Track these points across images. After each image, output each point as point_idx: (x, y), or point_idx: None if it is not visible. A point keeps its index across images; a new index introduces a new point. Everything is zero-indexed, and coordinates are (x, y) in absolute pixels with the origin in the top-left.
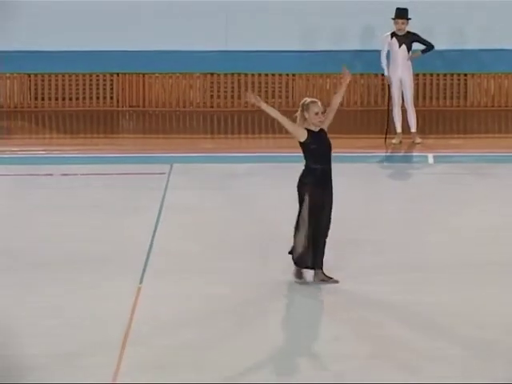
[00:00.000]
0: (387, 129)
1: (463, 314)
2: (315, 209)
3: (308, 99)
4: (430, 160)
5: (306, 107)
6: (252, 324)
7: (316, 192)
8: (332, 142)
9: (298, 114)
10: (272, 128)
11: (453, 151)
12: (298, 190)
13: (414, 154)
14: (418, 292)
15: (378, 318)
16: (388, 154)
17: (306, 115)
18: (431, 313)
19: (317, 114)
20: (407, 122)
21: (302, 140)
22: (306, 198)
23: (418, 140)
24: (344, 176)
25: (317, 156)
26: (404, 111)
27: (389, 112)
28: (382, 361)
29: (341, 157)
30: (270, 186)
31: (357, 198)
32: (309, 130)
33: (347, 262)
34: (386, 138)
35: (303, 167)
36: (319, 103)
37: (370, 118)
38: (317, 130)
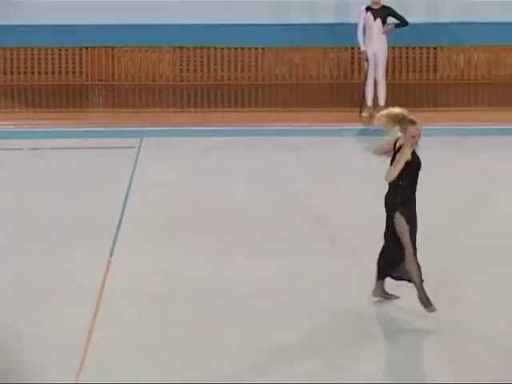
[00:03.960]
0: (362, 102)
1: None
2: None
3: (408, 115)
4: (400, 133)
5: (403, 126)
6: (223, 298)
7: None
8: (302, 115)
9: (395, 118)
10: (242, 102)
11: (422, 124)
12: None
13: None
14: None
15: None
16: (359, 127)
17: (403, 134)
18: None
19: (413, 137)
20: (377, 95)
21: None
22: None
23: None
24: (315, 149)
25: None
26: (375, 85)
27: (364, 85)
28: None
29: (311, 130)
30: (241, 159)
31: (328, 171)
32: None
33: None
34: (360, 112)
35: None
36: (418, 125)
37: (340, 91)
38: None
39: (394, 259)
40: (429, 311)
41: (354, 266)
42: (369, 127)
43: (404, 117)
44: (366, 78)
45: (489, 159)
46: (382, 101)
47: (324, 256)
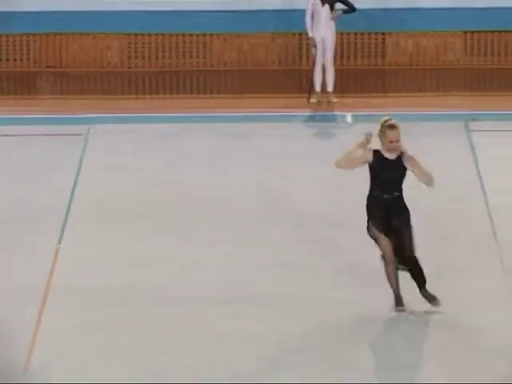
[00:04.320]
0: (310, 88)
1: None
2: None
3: (388, 121)
4: (349, 119)
5: (382, 130)
6: (174, 284)
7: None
8: (250, 101)
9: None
10: (190, 88)
11: (372, 110)
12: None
13: (333, 113)
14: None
15: None
16: (308, 113)
17: (381, 139)
18: None
19: (391, 142)
20: (325, 81)
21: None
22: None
23: (334, 99)
24: (264, 135)
25: (379, 183)
26: (323, 70)
27: (312, 71)
28: None
29: (260, 116)
30: (190, 146)
31: (277, 157)
32: (378, 153)
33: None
34: (309, 98)
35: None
36: (397, 131)
37: (288, 77)
38: (392, 157)
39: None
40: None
41: (309, 251)
42: (317, 113)
43: (382, 123)
44: (314, 64)
45: (438, 144)
46: (330, 87)
47: (277, 240)
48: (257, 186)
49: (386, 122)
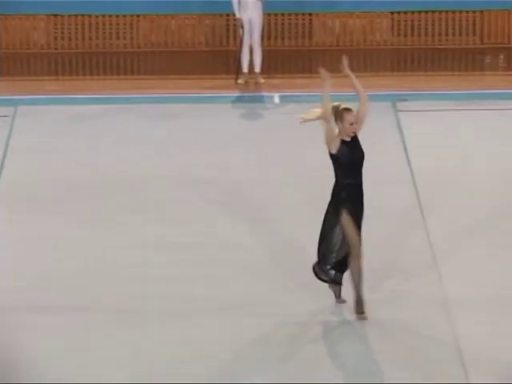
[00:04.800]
0: (237, 69)
1: None
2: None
3: (341, 105)
4: (276, 100)
5: (339, 115)
6: (96, 265)
7: (351, 209)
8: (178, 82)
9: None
10: (117, 69)
11: (299, 91)
12: (334, 208)
13: (261, 94)
14: None
15: None
16: (236, 94)
17: (340, 125)
18: None
19: (351, 124)
20: (253, 61)
21: (334, 152)
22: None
23: (261, 80)
24: (192, 116)
25: (347, 169)
26: (251, 51)
27: (239, 52)
28: None
29: (187, 97)
30: (117, 127)
31: (204, 137)
32: (341, 140)
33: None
34: (236, 79)
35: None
36: (354, 112)
37: (216, 58)
38: (349, 139)
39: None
40: (359, 318)
41: (239, 230)
42: (245, 94)
43: (336, 107)
44: (241, 45)
45: (365, 124)
46: (257, 67)
47: (204, 221)
48: (182, 166)
49: (338, 107)
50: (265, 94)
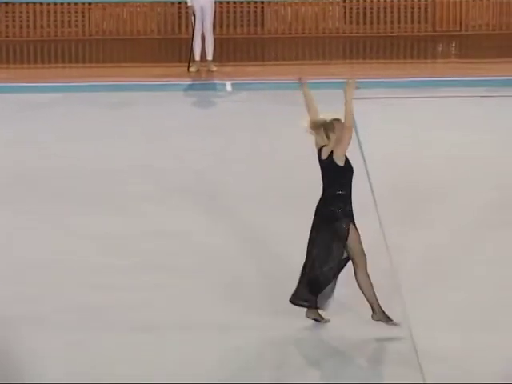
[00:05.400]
0: (189, 57)
1: None
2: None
3: (329, 118)
4: (229, 88)
5: (331, 127)
6: (56, 255)
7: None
8: (129, 70)
9: (319, 134)
10: (69, 58)
11: (251, 79)
12: (329, 222)
13: (213, 81)
14: None
15: None
16: (188, 82)
17: (333, 137)
18: None
19: None
20: (205, 49)
21: (342, 164)
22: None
23: (213, 68)
24: (144, 104)
25: (344, 180)
26: (202, 39)
27: (191, 40)
28: None
29: (140, 86)
30: (69, 115)
31: (157, 125)
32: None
33: None
34: (188, 67)
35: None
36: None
37: (168, 46)
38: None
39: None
40: (390, 324)
41: (195, 218)
42: (197, 82)
43: (325, 121)
44: (193, 33)
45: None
46: (209, 55)
47: (159, 212)
48: (136, 155)
49: (326, 120)
50: (217, 81)
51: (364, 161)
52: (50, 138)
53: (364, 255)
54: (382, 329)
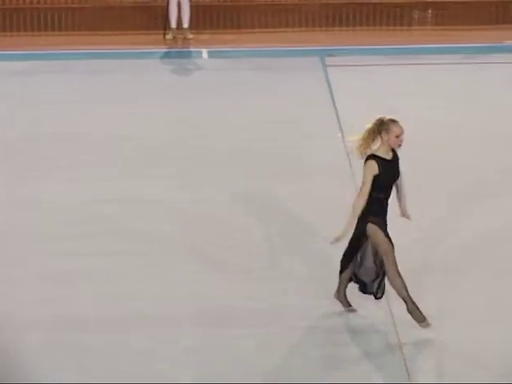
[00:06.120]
0: (166, 25)
1: None
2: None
3: (386, 117)
4: (205, 55)
5: (385, 127)
6: (23, 219)
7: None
8: (106, 38)
9: (371, 129)
10: (45, 25)
11: (227, 46)
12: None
13: (189, 49)
14: None
15: None
16: (164, 50)
17: (385, 137)
18: None
19: (398, 136)
20: (181, 17)
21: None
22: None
23: (190, 36)
24: (120, 71)
25: (380, 188)
26: (179, 7)
27: (167, 8)
28: None
29: (116, 53)
30: (44, 84)
31: (132, 93)
32: (378, 159)
33: None
34: (164, 34)
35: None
36: (399, 123)
37: (144, 14)
38: (389, 157)
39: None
40: (423, 326)
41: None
42: (173, 49)
43: (382, 119)
44: (168, 1)
45: (294, 79)
46: (186, 23)
47: (126, 175)
48: (110, 123)
49: (383, 119)
50: (193, 49)
51: (340, 127)
52: (27, 106)
53: (390, 249)
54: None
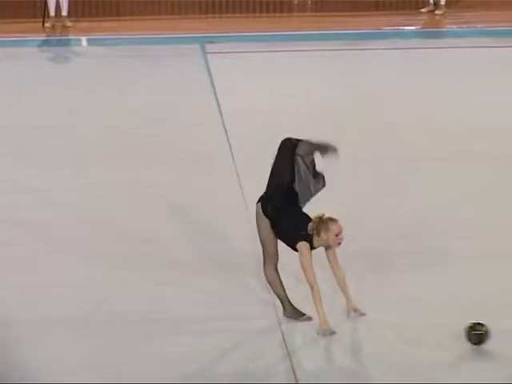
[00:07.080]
0: (44, 13)
1: None
2: None
3: (325, 214)
4: (84, 43)
5: (323, 225)
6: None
7: None
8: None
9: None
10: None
11: (107, 34)
12: None
13: (68, 37)
14: None
15: None
16: (43, 38)
17: (324, 236)
18: None
19: (337, 235)
20: (60, 4)
21: None
22: None
23: (69, 23)
24: (1, 60)
25: None
26: None
27: None
28: None
29: (14, 41)
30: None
31: (16, 83)
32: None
33: None
34: (43, 22)
35: None
36: (339, 221)
37: (22, 1)
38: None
39: None
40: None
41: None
42: (52, 37)
43: (320, 217)
44: None
45: (175, 67)
46: (64, 11)
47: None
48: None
49: (321, 217)
50: (72, 37)
51: (221, 114)
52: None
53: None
54: None
